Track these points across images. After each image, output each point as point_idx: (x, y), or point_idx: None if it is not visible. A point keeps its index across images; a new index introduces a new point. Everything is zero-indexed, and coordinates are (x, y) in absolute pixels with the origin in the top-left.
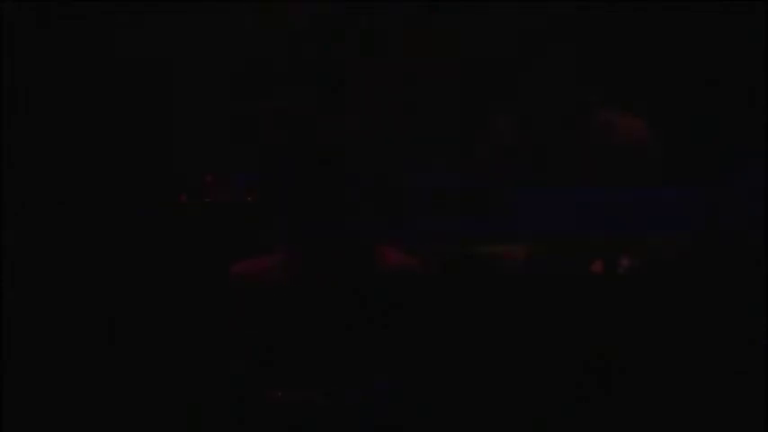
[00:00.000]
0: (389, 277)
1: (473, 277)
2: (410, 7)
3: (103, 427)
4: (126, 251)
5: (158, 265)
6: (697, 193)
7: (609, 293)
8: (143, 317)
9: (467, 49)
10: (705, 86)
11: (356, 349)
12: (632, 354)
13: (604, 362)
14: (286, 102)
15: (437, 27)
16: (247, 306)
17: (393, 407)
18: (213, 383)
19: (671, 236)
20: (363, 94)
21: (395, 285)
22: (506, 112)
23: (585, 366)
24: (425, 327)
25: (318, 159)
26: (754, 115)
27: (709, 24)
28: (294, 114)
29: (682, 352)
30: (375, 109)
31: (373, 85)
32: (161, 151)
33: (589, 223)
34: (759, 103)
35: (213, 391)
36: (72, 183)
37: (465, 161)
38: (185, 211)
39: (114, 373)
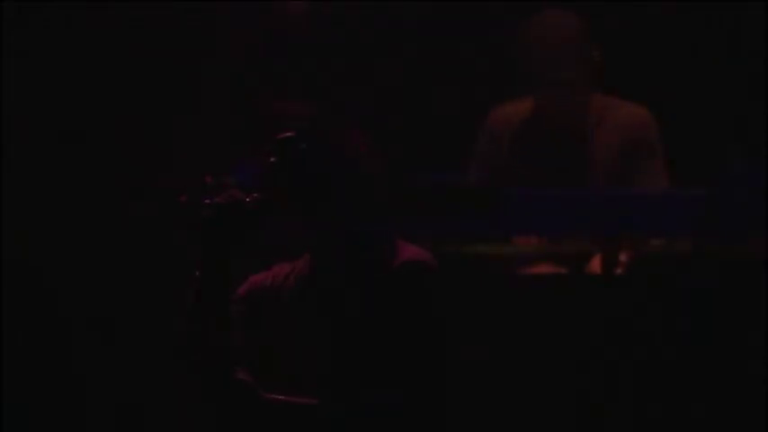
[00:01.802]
0: (406, 272)
1: (476, 277)
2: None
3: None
4: (125, 252)
5: (158, 266)
6: (697, 194)
7: (607, 293)
8: (142, 319)
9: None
10: (705, 87)
11: (370, 347)
12: (631, 354)
13: (604, 361)
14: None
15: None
16: (264, 307)
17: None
18: (218, 390)
19: (671, 236)
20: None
21: (412, 279)
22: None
23: (585, 366)
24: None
25: (335, 157)
26: (754, 115)
27: (709, 24)
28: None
29: (681, 352)
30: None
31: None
32: (162, 152)
33: (588, 223)
34: (759, 104)
35: (217, 397)
36: (72, 183)
37: (465, 159)
38: (185, 211)
39: (113, 375)
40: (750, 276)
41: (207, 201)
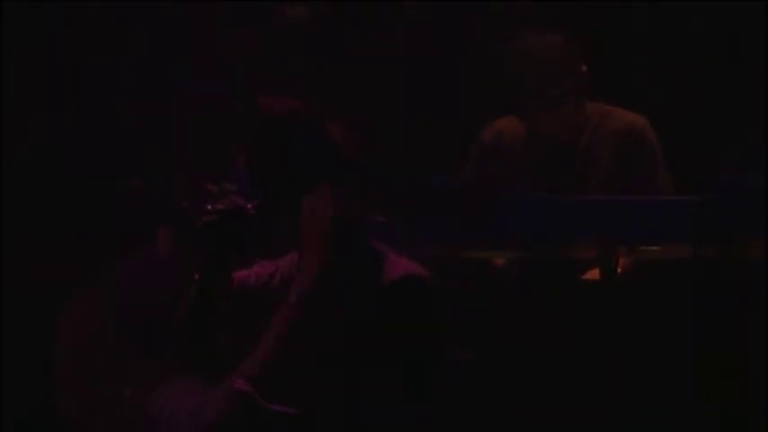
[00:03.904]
0: (398, 288)
1: (474, 286)
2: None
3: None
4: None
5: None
6: (696, 198)
7: (606, 299)
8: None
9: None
10: (704, 88)
11: (361, 356)
12: (631, 357)
13: (604, 366)
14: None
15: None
16: (245, 315)
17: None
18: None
19: (670, 241)
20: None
21: (405, 296)
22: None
23: (585, 371)
24: (433, 339)
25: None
26: (754, 117)
27: (708, 24)
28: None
29: (681, 354)
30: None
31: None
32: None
33: (587, 229)
34: (759, 105)
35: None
36: (72, 185)
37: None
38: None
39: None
40: (750, 279)
41: (209, 206)
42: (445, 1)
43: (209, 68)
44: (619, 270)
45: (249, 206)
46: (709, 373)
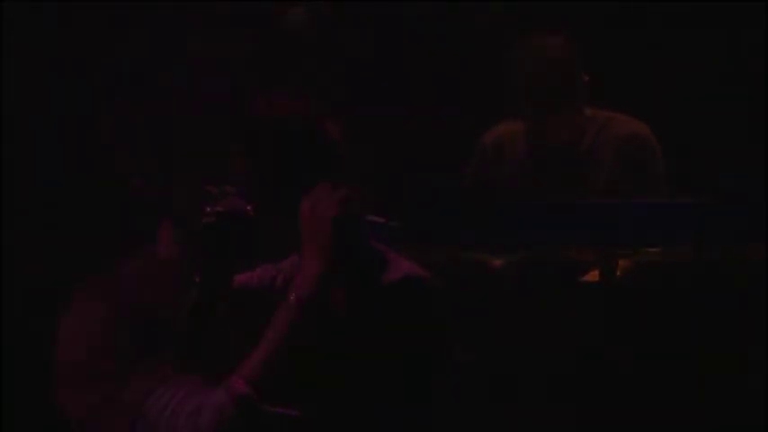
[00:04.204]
0: (398, 288)
1: (474, 287)
2: None
3: None
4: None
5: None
6: (695, 202)
7: (606, 301)
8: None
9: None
10: (704, 92)
11: (364, 359)
12: (631, 359)
13: (604, 369)
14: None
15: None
16: (245, 316)
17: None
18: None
19: (670, 244)
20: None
21: (404, 297)
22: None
23: (584, 375)
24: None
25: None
26: (754, 121)
27: (706, 31)
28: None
29: (681, 356)
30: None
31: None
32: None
33: (588, 231)
34: (759, 107)
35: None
36: (73, 185)
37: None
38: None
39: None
40: (750, 281)
41: (208, 208)
42: (446, 1)
43: (209, 68)
44: (619, 272)
45: (249, 207)
46: (709, 373)
